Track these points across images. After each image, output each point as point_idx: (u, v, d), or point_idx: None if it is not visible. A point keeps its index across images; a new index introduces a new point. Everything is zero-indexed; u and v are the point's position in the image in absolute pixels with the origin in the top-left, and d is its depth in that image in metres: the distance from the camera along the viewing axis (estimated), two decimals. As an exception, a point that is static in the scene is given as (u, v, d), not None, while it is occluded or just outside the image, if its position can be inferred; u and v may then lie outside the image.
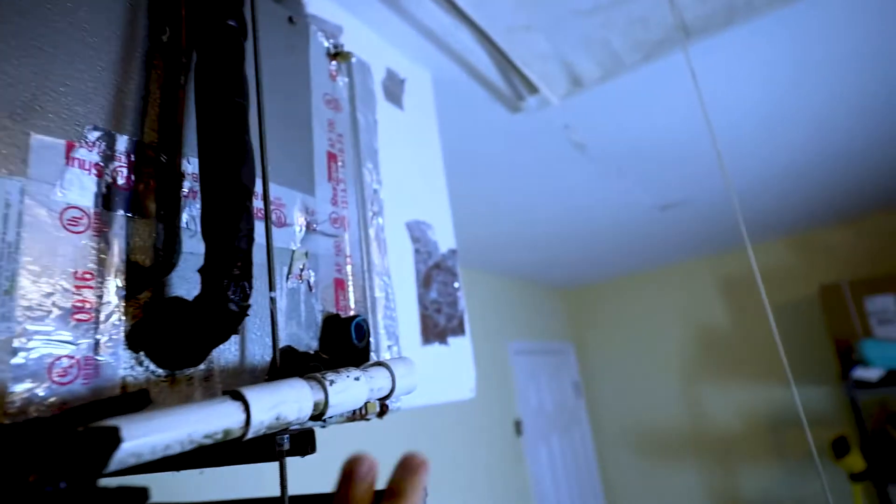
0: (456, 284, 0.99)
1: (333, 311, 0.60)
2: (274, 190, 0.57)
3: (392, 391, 0.49)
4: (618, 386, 3.63)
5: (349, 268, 0.64)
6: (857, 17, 1.14)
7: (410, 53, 1.06)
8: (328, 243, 0.62)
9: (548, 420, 3.16)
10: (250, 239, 0.45)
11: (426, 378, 0.79)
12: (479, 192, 1.89)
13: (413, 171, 0.96)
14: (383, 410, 0.61)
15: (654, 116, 1.48)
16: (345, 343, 0.56)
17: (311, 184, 0.63)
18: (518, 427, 2.83)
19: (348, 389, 0.44)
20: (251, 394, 0.36)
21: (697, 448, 3.27)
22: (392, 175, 0.88)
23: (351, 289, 0.64)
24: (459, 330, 0.94)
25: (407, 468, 0.39)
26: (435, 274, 0.94)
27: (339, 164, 0.68)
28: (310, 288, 0.58)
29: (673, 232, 2.77)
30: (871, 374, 2.31)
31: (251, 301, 0.44)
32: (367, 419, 0.59)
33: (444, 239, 0.99)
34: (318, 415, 0.42)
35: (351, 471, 0.38)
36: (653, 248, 3.09)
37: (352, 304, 0.63)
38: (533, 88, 1.23)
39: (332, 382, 0.43)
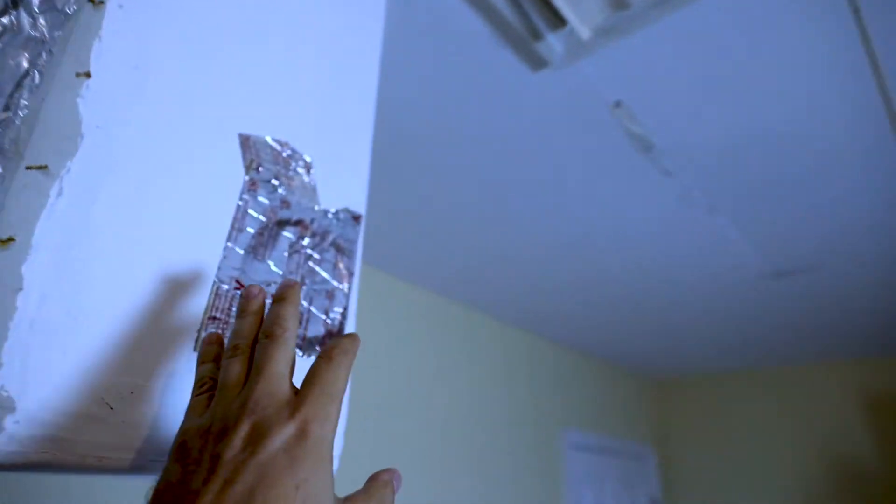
0: (343, 268, 0.57)
1: None
2: None
3: None
4: (710, 513, 2.81)
5: None
6: None
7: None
8: None
9: (608, 542, 2.46)
10: None
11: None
12: (498, 198, 1.45)
13: (303, 78, 0.58)
14: None
15: (771, 99, 0.99)
16: None
17: None
18: (562, 544, 2.18)
19: None
20: None
21: None
22: (251, 62, 0.51)
23: None
24: (313, 347, 0.50)
25: (274, 298, 0.36)
26: (289, 237, 0.53)
27: None
28: None
29: (792, 315, 2.10)
30: None
31: None
32: None
33: (339, 194, 0.59)
34: None
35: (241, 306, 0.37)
36: (764, 336, 2.39)
37: None
38: (556, 19, 0.82)
39: None
